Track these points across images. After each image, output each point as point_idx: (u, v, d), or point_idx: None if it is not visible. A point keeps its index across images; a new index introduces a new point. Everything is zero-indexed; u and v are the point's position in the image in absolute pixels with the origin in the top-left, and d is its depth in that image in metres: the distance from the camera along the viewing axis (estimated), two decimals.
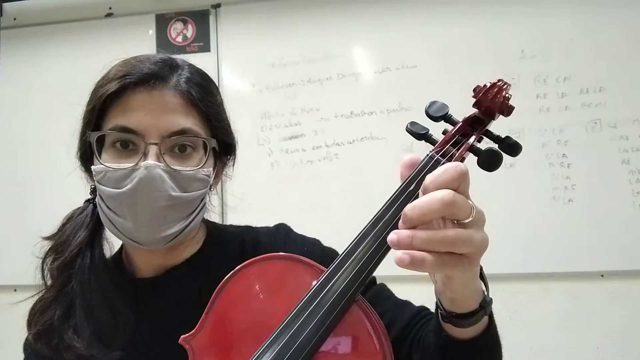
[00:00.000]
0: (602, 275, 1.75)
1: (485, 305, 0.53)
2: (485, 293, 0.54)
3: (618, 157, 1.75)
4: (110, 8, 2.06)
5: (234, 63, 1.98)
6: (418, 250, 0.44)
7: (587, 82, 1.77)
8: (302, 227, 0.80)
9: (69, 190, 0.74)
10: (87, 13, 2.07)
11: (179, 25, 2.02)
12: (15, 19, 2.12)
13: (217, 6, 2.01)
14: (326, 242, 0.79)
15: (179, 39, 2.01)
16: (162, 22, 2.03)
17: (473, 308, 0.52)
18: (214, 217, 0.80)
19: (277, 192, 1.88)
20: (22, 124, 2.06)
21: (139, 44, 1.99)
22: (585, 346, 1.74)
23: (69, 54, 2.06)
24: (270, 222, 0.82)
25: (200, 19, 2.01)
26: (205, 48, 1.99)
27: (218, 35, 2.00)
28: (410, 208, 0.44)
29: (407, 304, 0.73)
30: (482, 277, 0.54)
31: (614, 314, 1.74)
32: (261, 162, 1.91)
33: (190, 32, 2.01)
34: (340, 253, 0.75)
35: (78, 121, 0.69)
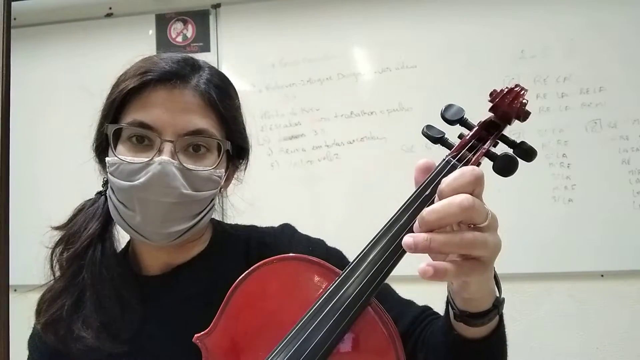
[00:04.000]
0: (602, 275, 1.75)
1: (498, 304, 0.54)
2: (498, 293, 0.55)
3: (618, 157, 1.75)
4: (110, 8, 2.06)
5: (234, 63, 1.99)
6: (435, 252, 0.44)
7: (587, 82, 1.77)
8: (302, 227, 0.80)
9: (74, 189, 0.75)
10: (87, 13, 2.07)
11: (179, 25, 2.02)
12: (15, 19, 2.12)
13: (217, 6, 2.01)
14: (327, 242, 0.79)
15: (179, 39, 2.01)
16: (162, 22, 2.03)
17: (487, 307, 0.53)
18: (215, 216, 0.80)
19: (277, 192, 1.88)
20: (21, 124, 2.06)
21: (139, 44, 1.99)
22: (585, 346, 1.74)
23: (69, 55, 2.06)
24: (270, 222, 0.82)
25: (200, 19, 2.01)
26: (205, 48, 1.99)
27: (218, 35, 2.00)
28: (428, 212, 0.44)
29: (410, 303, 0.73)
30: (494, 277, 0.54)
31: (614, 314, 1.74)
32: (261, 162, 1.90)
33: (190, 32, 2.01)
34: (344, 254, 0.76)
35: (88, 116, 0.70)
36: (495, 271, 0.54)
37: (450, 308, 0.56)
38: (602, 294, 1.75)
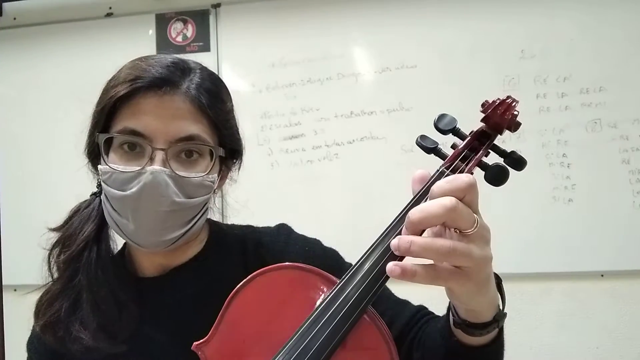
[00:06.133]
0: (602, 275, 1.75)
1: (499, 318, 0.54)
2: (501, 307, 0.54)
3: (618, 157, 1.75)
4: (110, 8, 2.06)
5: (234, 63, 1.99)
6: (415, 256, 0.44)
7: (587, 82, 1.77)
8: (302, 227, 0.80)
9: (72, 189, 0.75)
10: (87, 13, 2.06)
11: (179, 25, 2.02)
12: (15, 18, 2.11)
13: (217, 6, 2.01)
14: (326, 242, 0.79)
15: (179, 38, 2.01)
16: (162, 22, 2.03)
17: (486, 319, 0.53)
18: (215, 216, 0.80)
19: (277, 192, 1.88)
20: (21, 124, 2.06)
21: (139, 44, 1.98)
22: (585, 346, 1.75)
23: (69, 54, 2.06)
24: (270, 222, 0.82)
25: (200, 18, 2.01)
26: (205, 48, 1.99)
27: (218, 35, 2.00)
28: (413, 211, 0.45)
29: (406, 303, 0.73)
30: (500, 290, 0.54)
31: (614, 314, 1.74)
32: (261, 162, 1.90)
33: (190, 31, 2.01)
34: (340, 254, 0.77)
35: (86, 119, 0.69)
36: (502, 285, 0.54)
37: (450, 314, 0.57)
38: (602, 294, 1.75)
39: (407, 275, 0.44)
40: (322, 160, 1.89)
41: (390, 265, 0.44)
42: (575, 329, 1.75)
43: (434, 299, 0.69)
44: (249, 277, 0.61)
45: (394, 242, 0.45)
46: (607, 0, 1.79)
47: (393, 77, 1.88)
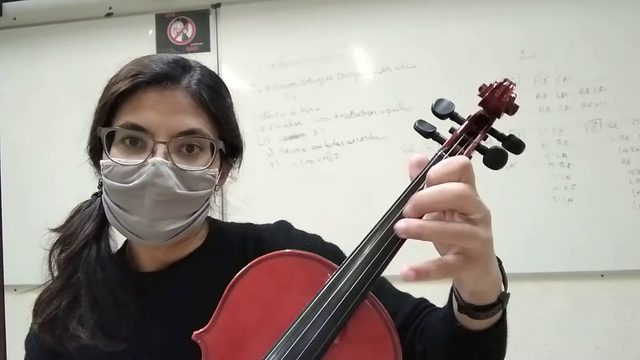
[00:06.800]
0: (602, 275, 1.75)
1: (503, 299, 0.54)
2: (503, 288, 0.55)
3: (618, 157, 1.75)
4: (110, 8, 2.07)
5: (234, 63, 1.99)
6: (425, 239, 0.45)
7: (587, 82, 1.77)
8: (302, 227, 0.81)
9: (72, 189, 0.75)
10: (87, 13, 2.07)
11: (179, 25, 2.02)
12: (15, 18, 2.12)
13: (217, 6, 2.01)
14: (323, 238, 0.79)
15: (179, 38, 2.01)
16: (162, 21, 2.03)
17: (491, 301, 0.53)
18: (215, 215, 0.80)
19: (277, 192, 1.88)
20: (21, 124, 2.06)
21: (139, 44, 1.99)
22: (585, 346, 1.75)
23: (69, 54, 2.06)
24: (270, 221, 0.82)
25: (200, 18, 2.01)
26: (205, 48, 1.99)
27: (218, 35, 2.00)
28: (421, 195, 0.45)
29: (407, 296, 0.74)
30: (501, 271, 0.55)
31: (614, 314, 1.74)
32: (261, 162, 1.91)
33: (190, 31, 2.01)
34: (341, 249, 0.77)
35: (88, 116, 0.70)
36: (502, 267, 0.55)
37: (454, 299, 0.57)
38: (602, 294, 1.75)
39: (421, 275, 0.44)
40: (322, 160, 1.89)
41: (405, 271, 0.44)
42: (575, 329, 1.75)
43: (432, 293, 0.69)
44: (249, 264, 0.61)
45: (401, 226, 0.44)
46: (608, 0, 1.79)
47: (393, 77, 1.88)
